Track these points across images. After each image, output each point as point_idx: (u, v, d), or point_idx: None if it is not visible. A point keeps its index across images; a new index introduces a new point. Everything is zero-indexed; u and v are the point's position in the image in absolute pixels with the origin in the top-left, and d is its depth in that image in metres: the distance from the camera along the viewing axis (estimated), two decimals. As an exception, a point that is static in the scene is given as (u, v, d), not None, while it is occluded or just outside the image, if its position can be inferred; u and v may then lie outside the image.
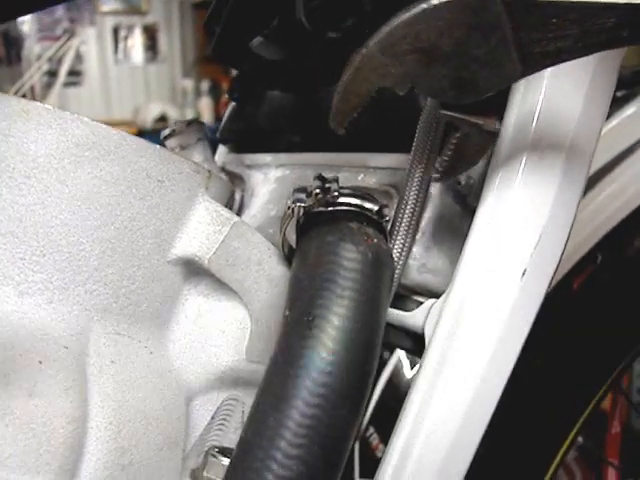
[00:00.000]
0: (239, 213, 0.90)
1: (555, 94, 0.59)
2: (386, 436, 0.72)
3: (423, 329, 0.65)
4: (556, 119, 0.60)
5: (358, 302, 0.53)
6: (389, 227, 0.63)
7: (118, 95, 7.87)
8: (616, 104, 1.16)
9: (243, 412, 0.65)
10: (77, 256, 0.55)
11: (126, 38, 8.06)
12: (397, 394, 1.46)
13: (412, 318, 0.67)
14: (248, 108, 0.95)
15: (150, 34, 8.16)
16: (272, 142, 0.89)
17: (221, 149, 1.02)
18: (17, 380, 0.50)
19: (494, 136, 0.59)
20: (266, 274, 0.63)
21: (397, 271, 0.64)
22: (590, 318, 1.13)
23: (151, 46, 8.20)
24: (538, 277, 0.63)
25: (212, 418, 0.63)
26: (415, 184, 0.64)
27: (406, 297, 0.69)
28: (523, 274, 0.62)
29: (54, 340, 0.53)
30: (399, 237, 0.64)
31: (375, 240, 0.57)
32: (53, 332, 0.53)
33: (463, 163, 0.60)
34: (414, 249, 0.66)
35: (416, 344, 0.68)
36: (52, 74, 7.74)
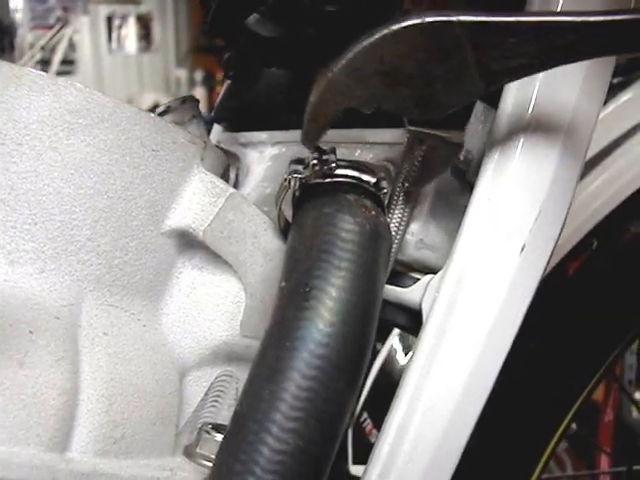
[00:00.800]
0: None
1: (553, 76, 0.58)
2: (379, 421, 0.71)
3: (420, 305, 0.64)
4: (554, 100, 0.59)
5: (355, 274, 0.52)
6: (387, 201, 0.62)
7: (111, 84, 7.83)
8: (611, 91, 1.15)
9: (237, 388, 0.64)
10: (69, 225, 0.54)
11: (120, 27, 8.02)
12: (390, 380, 1.45)
13: (409, 294, 0.66)
14: (244, 86, 0.93)
15: (144, 23, 8.12)
16: (268, 120, 0.88)
17: (216, 128, 1.01)
18: (7, 350, 0.48)
19: (459, 148, 0.59)
20: (261, 247, 0.62)
21: (394, 246, 0.63)
22: (585, 304, 1.12)
23: (145, 35, 8.16)
24: (537, 253, 0.62)
25: (206, 394, 0.63)
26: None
27: (403, 273, 0.68)
28: (522, 249, 0.61)
29: (45, 310, 0.52)
30: (397, 211, 0.63)
31: (373, 212, 0.56)
32: (44, 302, 0.52)
33: (430, 174, 0.61)
34: (412, 225, 0.65)
35: (413, 321, 0.68)
36: (45, 63, 7.69)
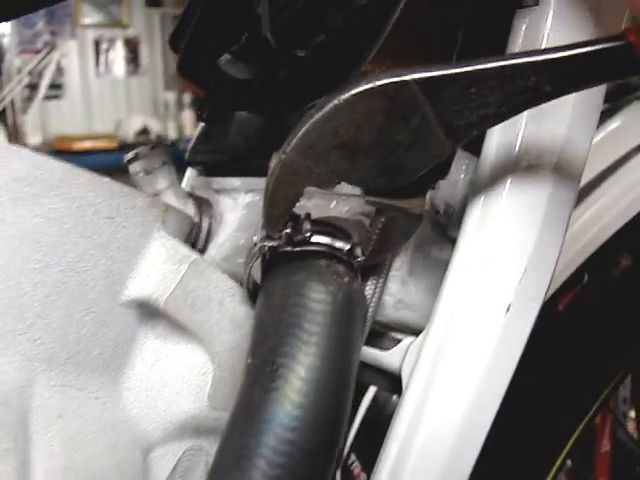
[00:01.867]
0: (207, 242, 0.85)
1: (538, 110, 0.54)
2: (368, 463, 0.67)
3: (400, 370, 0.60)
4: (541, 136, 0.55)
5: (326, 349, 0.49)
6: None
7: (99, 108, 7.79)
8: (600, 118, 1.12)
9: (207, 462, 0.60)
10: (17, 302, 0.50)
11: (107, 51, 8.00)
12: (380, 419, 1.41)
13: (388, 358, 0.62)
14: (217, 129, 0.90)
15: (132, 47, 8.11)
16: (241, 165, 0.84)
17: (190, 172, 0.98)
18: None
19: (420, 219, 0.55)
20: (229, 314, 0.58)
21: (371, 309, 0.59)
22: (576, 339, 1.09)
23: (133, 59, 8.14)
24: (523, 312, 0.59)
25: (173, 470, 0.58)
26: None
27: (382, 334, 0.65)
28: (507, 310, 0.57)
29: (-8, 395, 0.48)
30: (372, 274, 0.59)
31: (346, 279, 0.52)
32: (-9, 386, 0.48)
33: (389, 246, 0.57)
34: (389, 284, 0.61)
35: (393, 384, 0.64)
36: (33, 87, 7.65)
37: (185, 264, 0.55)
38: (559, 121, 0.55)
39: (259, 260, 0.55)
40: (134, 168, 0.85)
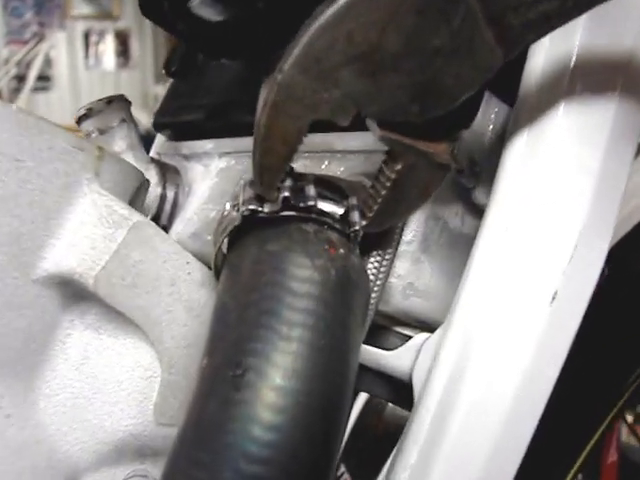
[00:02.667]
0: (172, 216, 0.70)
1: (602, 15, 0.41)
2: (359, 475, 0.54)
3: (411, 376, 0.46)
4: (604, 49, 0.42)
5: (313, 347, 0.34)
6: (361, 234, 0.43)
7: (89, 101, 7.62)
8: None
9: (156, 492, 0.45)
10: None
11: (97, 43, 7.84)
12: (372, 428, 1.27)
13: (395, 359, 0.48)
14: (188, 83, 0.75)
15: (122, 39, 7.95)
16: (217, 123, 0.70)
17: (158, 138, 0.83)
18: None
19: (446, 171, 0.41)
20: (183, 299, 0.43)
21: (374, 295, 0.45)
22: (596, 335, 0.94)
23: (123, 52, 7.98)
24: (572, 300, 0.45)
25: (109, 505, 0.44)
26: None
27: (386, 329, 0.50)
28: (553, 298, 0.43)
29: None
30: (376, 247, 0.45)
31: (341, 250, 0.38)
32: None
33: (401, 208, 0.42)
34: (397, 263, 0.47)
35: (399, 393, 0.49)
36: (20, 79, 7.49)
37: (123, 229, 0.41)
38: (627, 30, 0.41)
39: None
40: (86, 127, 0.71)
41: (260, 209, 0.38)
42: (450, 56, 0.35)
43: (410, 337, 0.50)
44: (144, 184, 0.49)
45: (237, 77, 0.68)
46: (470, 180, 0.49)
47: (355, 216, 0.40)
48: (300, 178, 0.41)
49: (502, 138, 0.50)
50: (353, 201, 0.41)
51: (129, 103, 0.72)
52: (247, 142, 0.65)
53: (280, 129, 0.36)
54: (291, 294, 0.35)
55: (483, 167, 0.49)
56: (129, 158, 0.71)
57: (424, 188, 0.41)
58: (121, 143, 0.70)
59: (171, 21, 0.69)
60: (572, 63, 0.42)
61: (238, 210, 0.39)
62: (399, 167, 0.39)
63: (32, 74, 7.41)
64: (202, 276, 0.44)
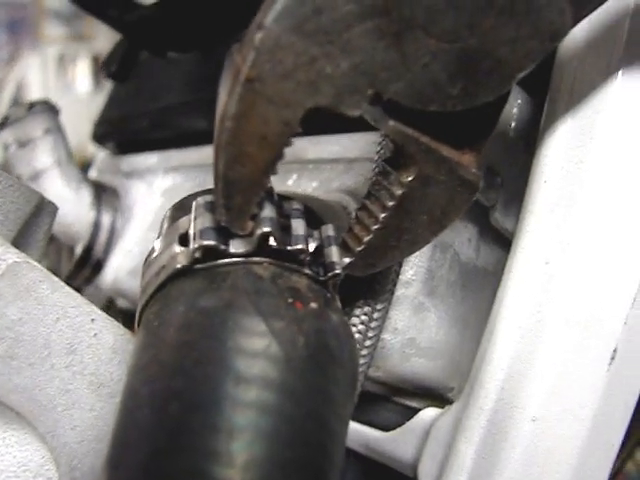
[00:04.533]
0: (108, 247, 0.57)
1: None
2: None
3: (416, 470, 0.33)
4: None
5: (269, 465, 0.21)
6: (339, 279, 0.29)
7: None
8: None
9: None
10: None
11: (71, 66, 7.70)
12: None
13: (392, 444, 0.34)
14: (129, 87, 0.62)
15: (97, 62, 7.82)
16: (161, 134, 0.57)
17: (99, 155, 0.70)
18: None
19: (470, 195, 0.28)
20: (88, 373, 0.30)
21: (362, 360, 0.32)
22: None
23: (98, 74, 7.85)
24: (635, 356, 0.33)
25: None
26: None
27: (379, 400, 0.37)
28: (612, 357, 0.31)
29: None
30: (364, 293, 0.32)
31: (313, 304, 0.25)
32: None
33: (401, 242, 0.29)
34: (393, 313, 0.34)
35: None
36: (-8, 103, 7.33)
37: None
38: None
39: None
40: (3, 138, 0.57)
41: (222, 247, 0.25)
42: (505, 14, 0.23)
43: (412, 409, 0.37)
44: (45, 207, 0.36)
45: (187, 76, 0.55)
46: (489, 196, 0.36)
47: (333, 253, 0.27)
48: (283, 203, 0.28)
49: (527, 139, 0.38)
50: (329, 231, 0.28)
51: (56, 111, 0.59)
52: (199, 154, 0.52)
53: (257, 123, 0.23)
54: (234, 380, 0.22)
55: (505, 178, 0.37)
56: (55, 177, 0.58)
57: (440, 214, 0.28)
58: (45, 158, 0.57)
59: (101, 6, 0.56)
60: (627, 25, 0.30)
61: (186, 244, 0.26)
62: (410, 179, 0.26)
63: (5, 97, 7.24)
64: (114, 337, 0.30)
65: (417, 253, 0.35)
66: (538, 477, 0.30)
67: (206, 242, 0.25)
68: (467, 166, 0.28)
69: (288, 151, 0.38)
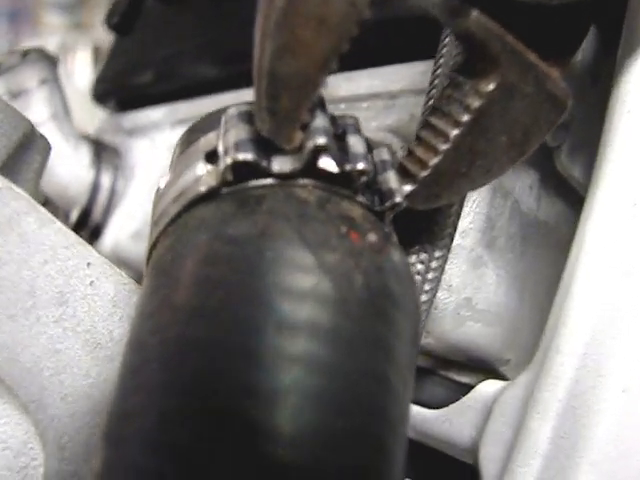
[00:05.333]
0: (108, 209, 0.51)
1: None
2: None
3: (476, 456, 0.27)
4: None
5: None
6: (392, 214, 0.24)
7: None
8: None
9: None
10: None
11: (71, 55, 7.66)
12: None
13: (444, 424, 0.29)
14: (132, 39, 0.57)
15: (97, 52, 7.77)
16: (168, 85, 0.51)
17: (100, 113, 0.64)
18: None
19: (558, 114, 0.23)
20: (81, 330, 0.24)
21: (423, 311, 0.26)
22: None
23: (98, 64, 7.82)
24: None
25: None
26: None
27: (424, 373, 0.32)
28: None
29: None
30: (419, 237, 0.26)
31: (372, 237, 0.19)
32: None
33: (475, 167, 0.23)
34: (447, 266, 0.28)
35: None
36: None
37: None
38: None
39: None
40: (-4, 87, 0.52)
41: (263, 164, 0.20)
42: None
43: (461, 385, 0.31)
44: (35, 140, 0.31)
45: (195, 20, 0.50)
46: (556, 134, 0.31)
47: (391, 179, 0.22)
48: (335, 116, 0.23)
49: (594, 73, 0.32)
50: (383, 154, 0.23)
51: (54, 60, 0.53)
52: (212, 102, 0.46)
53: (315, 1, 0.18)
54: (274, 327, 0.17)
55: (574, 114, 0.31)
56: (51, 131, 0.52)
57: (522, 135, 0.22)
58: (40, 111, 0.52)
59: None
60: None
61: (215, 161, 0.21)
62: (491, 87, 0.21)
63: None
64: (117, 288, 0.25)
65: (475, 197, 0.30)
66: (628, 458, 0.25)
67: (243, 156, 0.20)
68: (556, 79, 0.23)
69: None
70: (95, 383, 0.25)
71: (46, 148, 0.32)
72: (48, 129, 0.52)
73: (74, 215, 0.52)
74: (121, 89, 0.58)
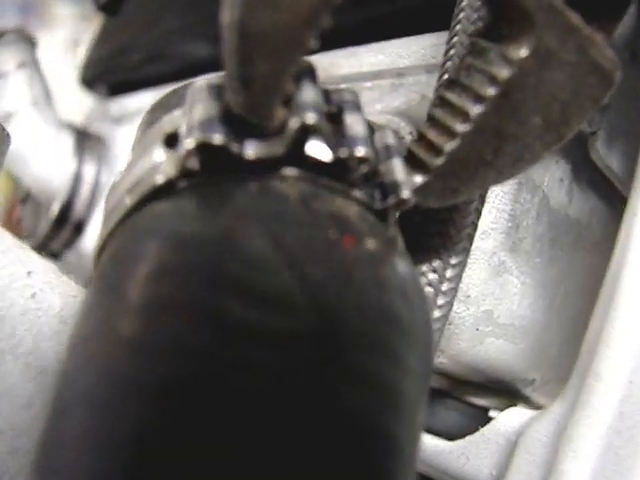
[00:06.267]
0: (92, 203, 0.47)
1: None
2: None
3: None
4: None
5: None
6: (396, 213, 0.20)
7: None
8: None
9: None
10: None
11: (80, 47, 7.67)
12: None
13: (459, 458, 0.25)
14: (121, 20, 0.52)
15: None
16: (159, 67, 0.47)
17: (87, 100, 0.60)
18: None
19: (606, 88, 0.19)
20: (21, 352, 0.20)
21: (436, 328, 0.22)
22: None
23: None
24: None
25: None
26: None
27: (438, 397, 0.28)
28: None
29: None
30: (434, 240, 0.22)
31: (371, 243, 0.15)
32: None
33: (507, 151, 0.18)
34: (465, 273, 0.24)
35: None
36: None
37: None
38: None
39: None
40: (-32, 72, 0.48)
41: (234, 149, 0.15)
42: None
43: (479, 409, 0.27)
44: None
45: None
46: (592, 118, 0.26)
47: (396, 169, 0.17)
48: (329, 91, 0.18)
49: (633, 49, 0.28)
50: (387, 138, 0.18)
51: (33, 42, 0.49)
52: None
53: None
54: (235, 370, 0.13)
55: (612, 95, 0.27)
56: (31, 118, 0.48)
57: (560, 116, 0.18)
58: (18, 96, 0.48)
59: None
60: None
61: (174, 142, 0.17)
62: (524, 53, 0.17)
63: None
64: (64, 302, 0.21)
65: (498, 192, 0.25)
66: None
67: (208, 137, 0.15)
68: (601, 46, 0.18)
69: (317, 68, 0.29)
70: (40, 414, 0.21)
71: (4, 140, 0.28)
72: (26, 116, 0.48)
73: (55, 209, 0.47)
74: (109, 72, 0.53)
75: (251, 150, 0.16)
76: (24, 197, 0.52)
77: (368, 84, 0.30)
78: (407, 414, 0.15)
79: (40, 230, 0.49)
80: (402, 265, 0.16)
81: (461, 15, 0.23)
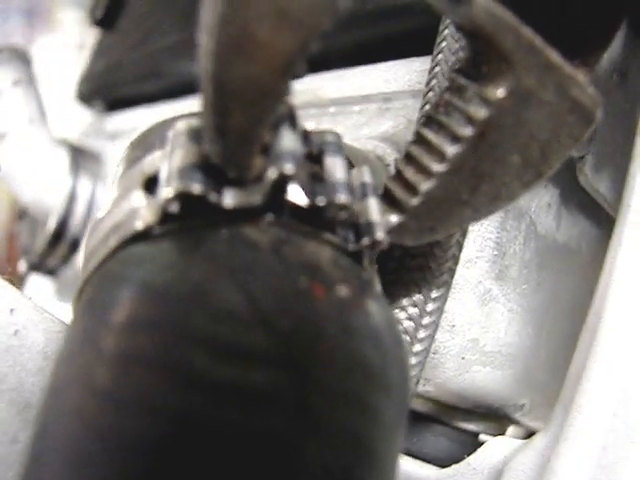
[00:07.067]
0: (86, 221, 0.47)
1: None
2: None
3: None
4: None
5: None
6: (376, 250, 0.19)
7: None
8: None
9: None
10: None
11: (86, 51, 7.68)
12: None
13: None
14: (117, 35, 0.53)
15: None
16: (155, 84, 0.47)
17: (83, 115, 0.60)
18: None
19: (585, 127, 0.19)
20: (9, 388, 0.20)
21: (415, 368, 0.22)
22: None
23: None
24: None
25: None
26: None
27: (427, 423, 0.27)
28: None
29: None
30: (413, 274, 0.22)
31: (344, 290, 0.15)
32: None
33: (484, 190, 0.18)
34: (450, 303, 0.24)
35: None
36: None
37: None
38: None
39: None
40: None
41: (212, 198, 0.15)
42: None
43: (467, 433, 0.27)
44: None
45: (181, 12, 0.46)
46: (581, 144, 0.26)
47: (372, 209, 0.17)
48: (309, 132, 0.18)
49: (622, 71, 0.28)
50: (363, 176, 0.18)
51: (27, 60, 0.49)
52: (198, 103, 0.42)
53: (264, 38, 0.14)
54: (205, 428, 0.13)
55: (599, 128, 0.27)
56: (25, 137, 0.48)
57: (538, 154, 0.18)
58: (13, 114, 0.48)
59: None
60: None
61: (154, 186, 0.17)
62: (501, 93, 0.17)
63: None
64: (47, 337, 0.21)
65: (483, 220, 0.25)
66: None
67: (187, 186, 0.15)
68: (582, 84, 0.18)
69: (303, 91, 0.29)
70: (25, 449, 0.21)
71: None
72: (23, 133, 0.48)
73: (51, 225, 0.48)
74: (105, 88, 0.54)
75: (229, 199, 0.16)
76: (20, 214, 0.52)
77: (356, 108, 0.30)
78: (380, 465, 0.15)
79: (36, 247, 0.49)
80: (375, 310, 0.16)
81: (443, 44, 0.23)
